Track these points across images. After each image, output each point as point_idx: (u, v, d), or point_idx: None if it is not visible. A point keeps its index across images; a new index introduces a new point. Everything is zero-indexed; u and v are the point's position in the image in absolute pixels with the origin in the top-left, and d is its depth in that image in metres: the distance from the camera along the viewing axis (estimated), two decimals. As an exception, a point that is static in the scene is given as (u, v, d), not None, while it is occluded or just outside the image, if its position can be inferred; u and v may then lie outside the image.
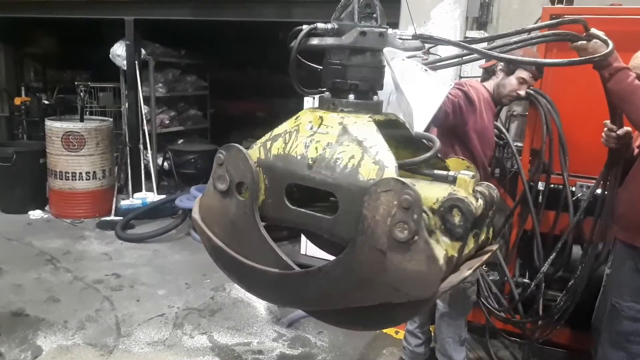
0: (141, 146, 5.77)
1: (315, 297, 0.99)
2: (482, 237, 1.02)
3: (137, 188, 5.77)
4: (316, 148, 0.98)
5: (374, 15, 1.06)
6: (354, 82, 1.04)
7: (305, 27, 1.03)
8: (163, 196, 5.60)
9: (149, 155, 5.77)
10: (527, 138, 3.12)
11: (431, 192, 0.93)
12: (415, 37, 1.18)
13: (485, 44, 1.80)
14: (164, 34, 6.16)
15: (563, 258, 2.85)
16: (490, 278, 3.14)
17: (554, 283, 2.99)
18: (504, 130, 3.03)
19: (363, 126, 0.99)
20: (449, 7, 3.56)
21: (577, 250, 2.91)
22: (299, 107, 3.52)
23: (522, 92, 2.53)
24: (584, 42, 1.79)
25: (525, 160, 3.08)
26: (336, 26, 1.03)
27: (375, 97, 1.09)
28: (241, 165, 1.01)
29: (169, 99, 6.58)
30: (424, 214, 0.86)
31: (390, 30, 1.09)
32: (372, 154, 0.93)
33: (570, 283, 2.65)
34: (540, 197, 3.01)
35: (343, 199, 0.94)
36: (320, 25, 1.03)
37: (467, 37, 3.32)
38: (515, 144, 3.10)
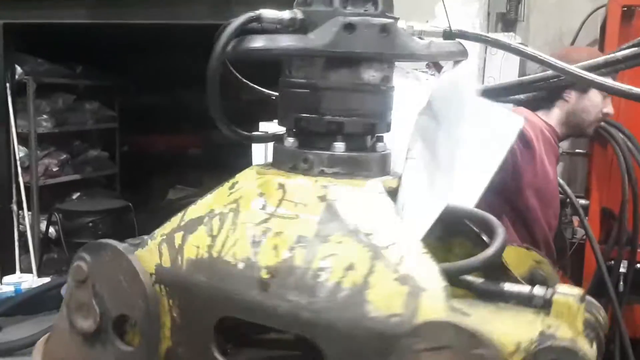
0: (14, 206, 5.31)
1: None
2: None
3: (8, 268, 5.09)
4: (275, 247, 0.83)
5: None
6: (339, 119, 0.90)
7: (240, 18, 0.88)
8: (47, 279, 4.90)
9: (27, 218, 5.29)
10: (594, 192, 2.78)
11: (506, 332, 0.75)
12: (450, 34, 0.94)
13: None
14: (51, 45, 5.85)
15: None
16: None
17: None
18: (562, 182, 2.62)
19: (367, 204, 0.85)
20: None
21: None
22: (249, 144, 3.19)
23: (610, 110, 2.34)
24: None
25: (594, 227, 2.75)
26: (301, 15, 0.89)
27: (380, 145, 0.95)
28: (123, 282, 0.88)
29: (59, 136, 6.23)
30: None
31: (401, 23, 0.93)
32: (391, 262, 0.77)
33: None
34: (622, 282, 2.71)
35: (334, 354, 0.77)
36: (267, 13, 0.88)
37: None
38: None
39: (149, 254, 0.91)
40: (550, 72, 1.21)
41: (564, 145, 3.33)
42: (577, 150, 3.31)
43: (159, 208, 6.62)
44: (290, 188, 0.88)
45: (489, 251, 0.86)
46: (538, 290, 0.82)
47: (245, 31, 0.89)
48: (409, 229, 0.83)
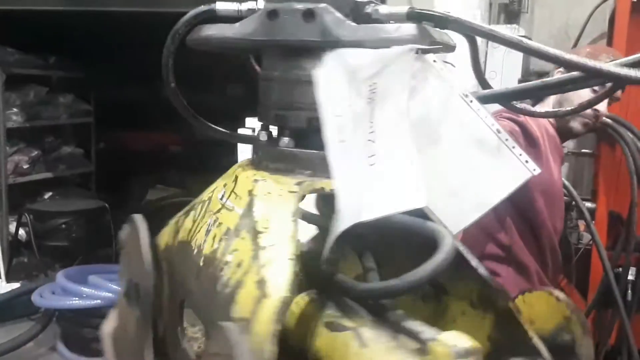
0: (-19, 205, 5.38)
1: None
2: None
3: (-26, 272, 5.21)
4: (214, 237, 0.89)
5: None
6: (282, 112, 0.92)
7: (193, 11, 0.95)
8: (16, 285, 4.99)
9: (-6, 219, 5.37)
10: (601, 195, 2.83)
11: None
12: (414, 15, 0.85)
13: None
14: (22, 33, 5.86)
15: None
16: None
17: None
18: (567, 184, 2.61)
19: (276, 202, 0.87)
20: (461, -11, 3.28)
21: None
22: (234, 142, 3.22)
23: (602, 108, 2.24)
24: None
25: (601, 232, 2.76)
26: (262, 6, 0.92)
27: None
28: (134, 255, 0.96)
29: (30, 131, 6.25)
30: None
31: (369, 7, 0.89)
32: (260, 264, 0.80)
33: None
34: (630, 291, 2.71)
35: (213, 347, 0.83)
36: (222, 5, 0.94)
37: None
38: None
39: (168, 231, 1.00)
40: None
41: (570, 144, 3.33)
42: (583, 150, 3.30)
43: (137, 209, 6.53)
44: (238, 181, 0.93)
45: (395, 282, 0.79)
46: (426, 334, 0.76)
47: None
48: (292, 232, 0.82)
